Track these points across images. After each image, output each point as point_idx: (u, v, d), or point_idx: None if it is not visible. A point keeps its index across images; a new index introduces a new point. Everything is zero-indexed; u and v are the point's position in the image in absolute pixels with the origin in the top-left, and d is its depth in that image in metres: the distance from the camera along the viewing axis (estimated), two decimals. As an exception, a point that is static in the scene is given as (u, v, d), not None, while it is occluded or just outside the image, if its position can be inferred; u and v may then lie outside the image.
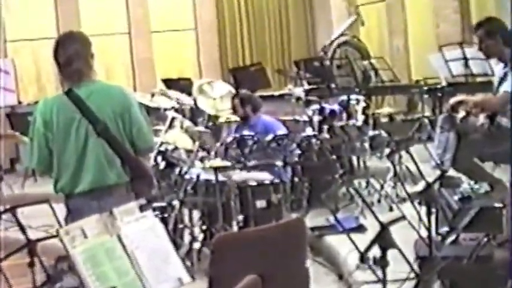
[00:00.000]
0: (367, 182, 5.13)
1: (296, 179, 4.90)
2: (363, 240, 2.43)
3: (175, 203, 4.16)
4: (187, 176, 4.32)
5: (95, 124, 2.69)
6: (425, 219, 2.69)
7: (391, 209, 4.66)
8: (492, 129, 3.78)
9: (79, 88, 2.72)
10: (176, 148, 4.69)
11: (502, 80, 3.80)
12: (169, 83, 7.68)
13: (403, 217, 2.37)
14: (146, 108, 5.74)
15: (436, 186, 3.26)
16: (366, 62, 6.83)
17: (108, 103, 2.72)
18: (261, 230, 2.43)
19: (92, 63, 2.76)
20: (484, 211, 3.02)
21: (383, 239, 2.12)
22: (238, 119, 5.10)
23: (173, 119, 5.14)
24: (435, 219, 3.29)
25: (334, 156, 4.99)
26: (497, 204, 3.03)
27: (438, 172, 3.53)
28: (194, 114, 6.79)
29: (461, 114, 3.81)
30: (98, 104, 2.71)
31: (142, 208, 2.15)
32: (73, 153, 2.69)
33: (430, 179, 2.88)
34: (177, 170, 4.52)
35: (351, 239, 2.28)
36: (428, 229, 2.58)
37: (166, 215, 4.06)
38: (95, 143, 2.70)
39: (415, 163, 2.86)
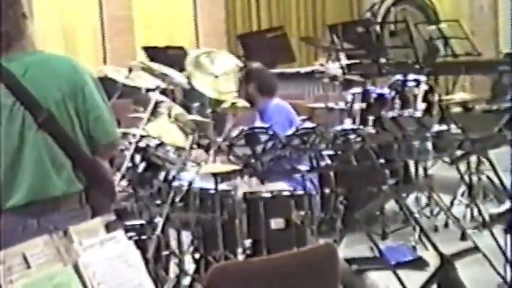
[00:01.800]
0: (429, 198, 5.13)
1: (327, 191, 4.90)
2: (421, 279, 2.44)
3: (158, 220, 4.18)
4: (175, 183, 4.35)
5: (34, 112, 2.68)
6: (510, 253, 2.68)
7: (463, 237, 4.65)
8: None
9: (9, 61, 2.70)
10: (161, 144, 4.71)
11: None
12: (153, 53, 7.72)
13: (476, 248, 2.36)
14: (121, 88, 5.81)
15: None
16: (432, 28, 6.82)
17: (53, 82, 2.71)
18: (274, 260, 2.45)
19: (25, 25, 2.75)
20: None
21: (444, 278, 2.12)
22: (246, 103, 5.10)
23: (158, 103, 5.16)
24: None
25: (382, 160, 4.99)
26: None
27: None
28: (188, 97, 6.82)
29: None
30: (38, 83, 2.69)
31: (109, 227, 2.17)
32: (4, 153, 2.69)
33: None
34: (161, 175, 4.54)
35: (398, 277, 2.29)
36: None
37: (144, 237, 4.07)
38: (35, 139, 2.70)
39: (496, 173, 2.85)
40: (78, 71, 2.80)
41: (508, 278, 2.63)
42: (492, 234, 2.69)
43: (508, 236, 2.63)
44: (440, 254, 2.21)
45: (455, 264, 2.26)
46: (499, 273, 2.63)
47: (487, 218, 3.87)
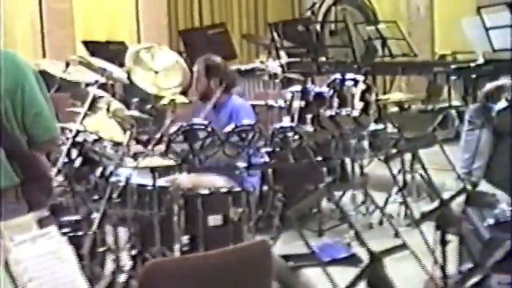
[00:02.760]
0: (365, 196, 5.19)
1: (265, 188, 4.91)
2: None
3: (95, 216, 4.14)
4: (113, 179, 4.30)
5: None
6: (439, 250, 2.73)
7: (396, 235, 4.72)
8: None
9: None
10: (99, 139, 4.66)
11: None
12: (93, 47, 7.64)
13: (405, 245, 2.40)
14: (59, 82, 5.71)
15: (460, 205, 3.32)
16: (370, 28, 6.90)
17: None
18: (210, 256, 2.45)
19: None
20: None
21: (372, 275, 2.15)
22: (185, 100, 5.09)
23: (96, 98, 5.10)
24: (458, 252, 3.35)
25: (319, 158, 5.03)
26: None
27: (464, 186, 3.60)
28: (127, 92, 6.76)
29: (501, 103, 3.83)
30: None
31: (42, 223, 2.13)
32: None
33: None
34: (98, 170, 4.50)
35: (328, 274, 2.31)
36: (442, 265, 2.62)
37: (80, 233, 4.03)
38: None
39: (425, 170, 2.91)
40: (19, 66, 2.76)
41: (436, 274, 2.68)
42: (420, 231, 2.74)
43: (438, 233, 2.68)
44: (369, 251, 2.24)
45: (384, 261, 2.28)
46: (426, 270, 2.68)
47: (417, 215, 3.94)
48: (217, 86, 5.00)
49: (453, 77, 6.66)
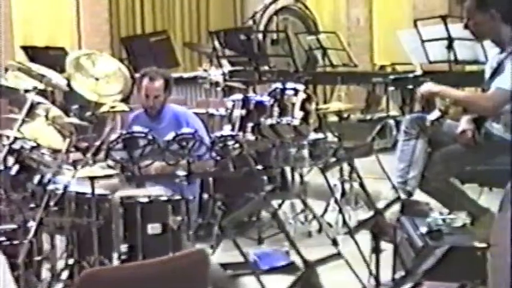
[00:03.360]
0: (304, 204, 5.23)
1: (205, 196, 4.91)
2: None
3: (31, 224, 4.08)
4: (50, 187, 4.25)
5: None
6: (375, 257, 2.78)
7: (334, 243, 4.78)
8: (479, 138, 3.91)
9: None
10: (37, 146, 4.60)
11: (497, 70, 3.89)
12: (33, 52, 7.54)
13: (339, 254, 2.44)
14: (-4, 88, 5.61)
15: (394, 214, 3.38)
16: (311, 38, 6.98)
17: None
18: (146, 266, 2.44)
19: None
20: (456, 252, 3.13)
21: (306, 283, 2.18)
22: (127, 108, 5.06)
23: (35, 104, 5.04)
24: (393, 260, 3.41)
25: (260, 166, 5.05)
26: (478, 244, 3.12)
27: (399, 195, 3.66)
28: (67, 99, 6.68)
29: (434, 114, 3.90)
30: None
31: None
32: None
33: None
34: (36, 178, 4.44)
35: (260, 282, 2.33)
36: (375, 273, 2.66)
37: (16, 242, 3.96)
38: None
39: (360, 179, 2.96)
40: None
41: (370, 282, 2.72)
42: (354, 240, 2.78)
43: (372, 242, 2.73)
44: (304, 260, 2.27)
45: (320, 269, 2.32)
46: (359, 278, 2.72)
47: (354, 223, 4.00)
48: (169, 96, 5.02)
49: (391, 88, 6.77)
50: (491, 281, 2.39)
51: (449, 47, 5.84)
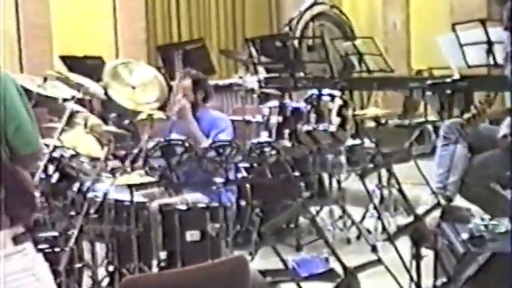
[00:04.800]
0: (343, 210, 5.21)
1: (243, 203, 4.92)
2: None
3: (72, 232, 4.12)
4: (90, 195, 4.29)
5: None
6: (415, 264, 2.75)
7: (374, 249, 4.74)
8: (520, 143, 3.86)
9: None
10: (76, 155, 4.65)
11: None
12: (71, 62, 7.60)
13: (379, 261, 2.42)
14: (36, 97, 5.70)
15: (435, 220, 3.35)
16: (347, 44, 6.95)
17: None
18: (186, 273, 2.45)
19: None
20: (499, 258, 3.08)
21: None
22: (164, 116, 5.10)
23: (74, 113, 5.09)
24: (434, 266, 3.37)
25: (297, 173, 5.05)
26: (521, 251, 3.07)
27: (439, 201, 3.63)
28: (105, 108, 6.74)
29: (468, 114, 3.84)
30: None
31: (17, 239, 2.12)
32: None
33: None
34: (75, 186, 4.48)
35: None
36: (416, 280, 2.64)
37: (57, 250, 4.00)
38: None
39: (399, 185, 2.93)
40: (1, 80, 2.77)
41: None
42: (395, 246, 2.76)
43: (413, 248, 2.71)
44: (344, 266, 2.26)
45: (360, 276, 2.30)
46: (400, 285, 2.70)
47: (393, 230, 3.97)
48: (201, 98, 5.03)
49: (429, 93, 6.71)
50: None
51: (489, 50, 5.77)
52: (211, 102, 5.67)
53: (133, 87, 5.85)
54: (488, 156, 3.96)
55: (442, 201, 3.74)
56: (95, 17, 9.44)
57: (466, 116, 3.77)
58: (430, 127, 6.69)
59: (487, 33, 5.65)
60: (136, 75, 6.04)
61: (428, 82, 6.76)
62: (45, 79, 6.06)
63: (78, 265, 4.16)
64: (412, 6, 8.50)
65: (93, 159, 4.70)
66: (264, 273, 4.23)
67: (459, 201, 4.04)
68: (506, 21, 3.89)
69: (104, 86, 6.08)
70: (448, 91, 6.45)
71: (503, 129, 3.92)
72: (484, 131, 4.03)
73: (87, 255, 4.30)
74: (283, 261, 2.48)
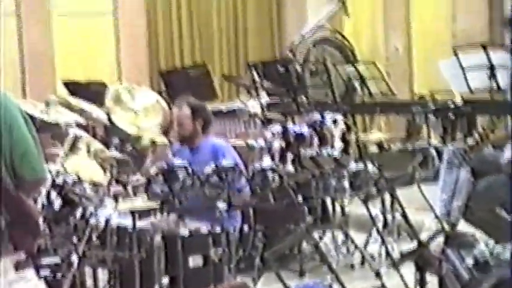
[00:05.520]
0: (346, 235, 5.19)
1: (246, 228, 4.90)
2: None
3: (74, 258, 4.11)
4: (92, 221, 4.29)
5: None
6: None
7: (378, 275, 4.72)
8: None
9: None
10: (79, 180, 4.65)
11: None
12: (74, 87, 7.63)
13: (383, 287, 2.41)
14: (39, 123, 5.71)
15: (439, 245, 3.33)
16: (350, 68, 6.97)
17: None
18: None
19: None
20: (505, 285, 3.07)
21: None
22: (166, 141, 5.10)
23: (76, 139, 5.10)
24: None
25: (300, 198, 5.04)
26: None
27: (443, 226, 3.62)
28: (108, 133, 6.74)
29: (472, 140, 3.85)
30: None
31: (19, 266, 2.12)
32: None
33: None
34: (78, 212, 4.48)
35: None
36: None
37: (59, 276, 4.00)
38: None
39: (403, 210, 2.93)
40: (7, 105, 2.78)
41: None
42: (399, 272, 2.75)
43: (417, 274, 2.70)
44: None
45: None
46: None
47: (397, 255, 3.96)
48: (201, 127, 5.03)
49: (432, 117, 6.71)
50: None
51: (491, 75, 5.78)
52: (213, 127, 5.68)
53: (136, 112, 5.89)
54: (492, 181, 3.96)
55: (446, 227, 3.73)
56: (98, 42, 9.49)
57: (470, 143, 3.77)
58: (433, 151, 6.67)
59: (489, 57, 5.66)
60: (139, 100, 6.07)
61: (431, 106, 6.76)
62: (47, 104, 6.09)
63: (80, 292, 4.16)
64: (414, 31, 8.53)
65: (96, 185, 4.70)
66: (267, 299, 4.22)
67: (463, 227, 4.02)
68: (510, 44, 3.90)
69: (106, 111, 6.12)
70: (451, 116, 6.45)
71: (507, 154, 3.92)
72: (487, 156, 4.03)
73: (89, 282, 4.29)
74: (286, 286, 2.47)
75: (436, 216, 3.81)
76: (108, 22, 9.49)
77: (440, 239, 3.40)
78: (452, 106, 6.44)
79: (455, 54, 5.95)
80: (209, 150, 4.93)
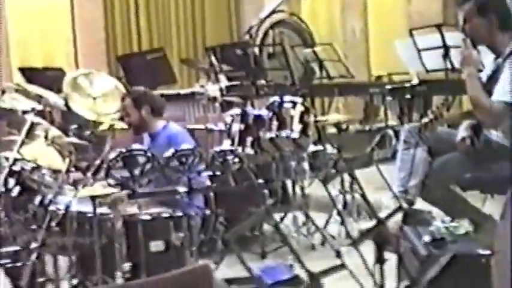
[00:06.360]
0: (306, 216, 5.23)
1: (207, 212, 4.91)
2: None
3: (34, 246, 4.08)
4: (52, 207, 4.26)
5: None
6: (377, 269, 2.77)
7: (338, 255, 4.76)
8: (478, 145, 3.91)
9: None
10: (37, 167, 4.61)
11: (493, 77, 3.90)
12: (30, 74, 7.55)
13: (343, 266, 2.44)
14: (-5, 110, 5.63)
15: (397, 223, 3.38)
16: (308, 51, 7.00)
17: None
18: (152, 283, 2.44)
19: None
20: (461, 260, 3.13)
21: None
22: (124, 125, 5.08)
23: (34, 125, 5.05)
24: (397, 270, 3.41)
25: (260, 180, 5.06)
26: (482, 251, 3.11)
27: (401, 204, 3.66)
28: (66, 119, 6.69)
29: (426, 118, 3.88)
30: None
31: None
32: None
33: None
34: (37, 199, 4.44)
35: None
36: (380, 283, 2.66)
37: (18, 264, 3.96)
38: None
39: (362, 190, 2.96)
40: None
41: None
42: (358, 250, 2.79)
43: (376, 252, 2.73)
44: (308, 272, 2.28)
45: (325, 281, 2.32)
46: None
47: (357, 234, 4.00)
48: (148, 113, 5.03)
49: (389, 98, 6.79)
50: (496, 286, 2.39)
51: (446, 55, 5.84)
52: (171, 112, 5.67)
53: (94, 98, 5.83)
54: (447, 159, 4.01)
55: (404, 205, 3.78)
56: (54, 28, 9.36)
57: (424, 120, 3.81)
58: (390, 132, 6.75)
59: (443, 38, 5.73)
60: (97, 85, 6.02)
61: (388, 87, 6.84)
62: (3, 91, 6.02)
63: (41, 279, 4.12)
64: (371, 13, 8.59)
65: (55, 172, 4.66)
66: (229, 281, 4.23)
67: (420, 204, 4.08)
68: (462, 23, 3.94)
69: (64, 97, 6.06)
70: (408, 96, 6.53)
71: (461, 133, 3.98)
72: (442, 134, 4.08)
73: (49, 269, 4.25)
74: (248, 269, 2.49)
75: (394, 195, 3.85)
76: (64, 6, 9.36)
77: (399, 217, 3.45)
78: (408, 86, 6.52)
79: (411, 35, 6.01)
80: (163, 138, 4.92)
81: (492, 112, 3.79)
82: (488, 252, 3.05)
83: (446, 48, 5.76)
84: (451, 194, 4.03)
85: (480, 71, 4.05)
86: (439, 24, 6.01)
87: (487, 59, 4.08)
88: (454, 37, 5.57)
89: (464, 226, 3.40)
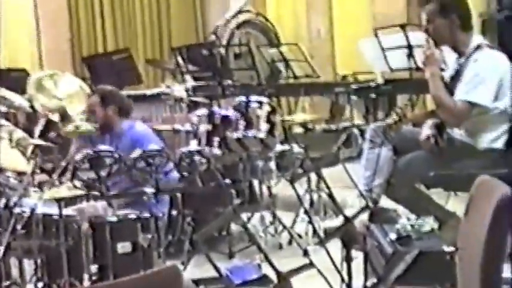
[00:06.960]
0: (274, 216, 5.24)
1: (174, 213, 4.91)
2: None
3: (-1, 249, 4.04)
4: (17, 210, 4.21)
5: None
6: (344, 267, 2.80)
7: (305, 253, 4.79)
8: (441, 143, 3.97)
9: None
10: (1, 170, 4.56)
11: (455, 76, 3.98)
12: (-7, 75, 7.45)
13: (311, 264, 2.46)
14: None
15: (363, 221, 3.42)
16: (274, 51, 7.01)
17: None
18: (119, 285, 2.43)
19: None
20: (426, 256, 3.17)
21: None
22: (92, 128, 5.04)
23: (-3, 127, 5.00)
24: (364, 267, 3.44)
25: (227, 180, 5.06)
26: (446, 248, 3.16)
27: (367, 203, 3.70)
28: (31, 120, 6.62)
29: (391, 118, 3.93)
30: None
31: None
32: None
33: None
34: (2, 201, 4.39)
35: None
36: (347, 281, 2.68)
37: (-17, 268, 3.92)
38: None
39: (329, 189, 2.99)
40: None
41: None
42: (326, 249, 2.81)
43: (343, 250, 2.76)
44: (276, 271, 2.29)
45: (293, 280, 2.34)
46: (331, 287, 2.75)
47: (324, 233, 4.03)
48: (115, 113, 4.99)
49: (354, 97, 6.84)
50: (460, 284, 2.43)
51: (410, 54, 5.89)
52: (137, 112, 5.63)
53: (60, 99, 5.79)
54: (412, 158, 4.06)
55: (370, 203, 3.82)
56: (17, 28, 9.25)
57: (389, 121, 3.86)
58: (356, 131, 6.80)
59: (407, 37, 5.79)
60: (62, 86, 5.98)
61: (353, 87, 6.89)
62: (-34, 93, 5.94)
63: (6, 283, 4.09)
64: (335, 13, 8.64)
65: (20, 174, 4.62)
66: (197, 282, 4.23)
67: (386, 203, 4.12)
68: (425, 24, 4.00)
69: (28, 99, 6.00)
70: (373, 95, 6.59)
71: (424, 131, 4.03)
72: (407, 133, 4.13)
73: (15, 272, 4.22)
74: (217, 269, 2.50)
75: (360, 194, 3.89)
76: (27, 7, 9.26)
77: (365, 216, 3.49)
78: (373, 86, 6.58)
79: (376, 35, 6.06)
80: (128, 138, 4.88)
81: (455, 111, 3.85)
82: (452, 248, 3.08)
83: (410, 47, 5.81)
84: (416, 192, 4.08)
85: (443, 70, 4.11)
86: (403, 24, 6.06)
87: (450, 58, 4.14)
88: (418, 37, 5.62)
89: (429, 223, 3.45)
